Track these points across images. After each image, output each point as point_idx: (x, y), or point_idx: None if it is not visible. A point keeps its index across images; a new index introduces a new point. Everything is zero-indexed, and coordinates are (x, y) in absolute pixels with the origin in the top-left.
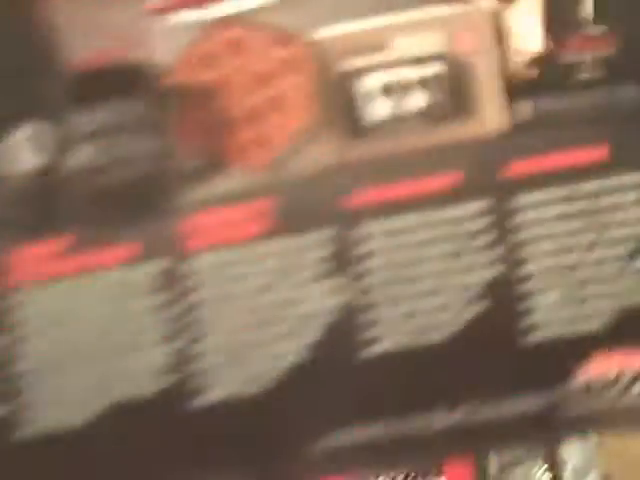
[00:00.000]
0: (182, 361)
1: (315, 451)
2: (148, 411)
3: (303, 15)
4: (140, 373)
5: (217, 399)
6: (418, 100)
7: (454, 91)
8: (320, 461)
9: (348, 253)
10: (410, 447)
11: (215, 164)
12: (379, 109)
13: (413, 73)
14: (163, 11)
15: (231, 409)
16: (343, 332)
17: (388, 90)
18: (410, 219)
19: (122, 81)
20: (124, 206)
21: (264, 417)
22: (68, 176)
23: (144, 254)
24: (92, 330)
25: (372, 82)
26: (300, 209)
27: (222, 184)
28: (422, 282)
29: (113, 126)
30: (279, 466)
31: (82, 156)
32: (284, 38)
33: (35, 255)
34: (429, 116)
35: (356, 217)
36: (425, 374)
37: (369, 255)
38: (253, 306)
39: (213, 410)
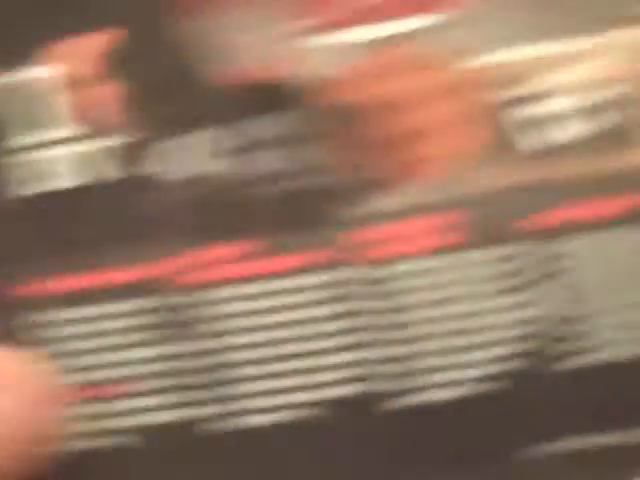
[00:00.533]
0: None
1: (527, 457)
2: (348, 411)
3: (470, 38)
4: (341, 375)
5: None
6: (591, 124)
7: (628, 117)
8: (531, 468)
9: (545, 267)
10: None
11: (377, 180)
12: (553, 133)
13: (586, 98)
14: (312, 31)
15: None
16: (548, 342)
17: (557, 116)
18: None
19: (273, 98)
20: (278, 218)
21: (473, 420)
22: (224, 187)
23: (304, 265)
24: (288, 330)
25: (542, 108)
26: (484, 225)
27: (395, 199)
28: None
29: (262, 141)
30: (488, 468)
31: (234, 168)
32: (448, 60)
33: (221, 256)
34: (602, 140)
35: (545, 235)
36: None
37: (572, 268)
38: (450, 314)
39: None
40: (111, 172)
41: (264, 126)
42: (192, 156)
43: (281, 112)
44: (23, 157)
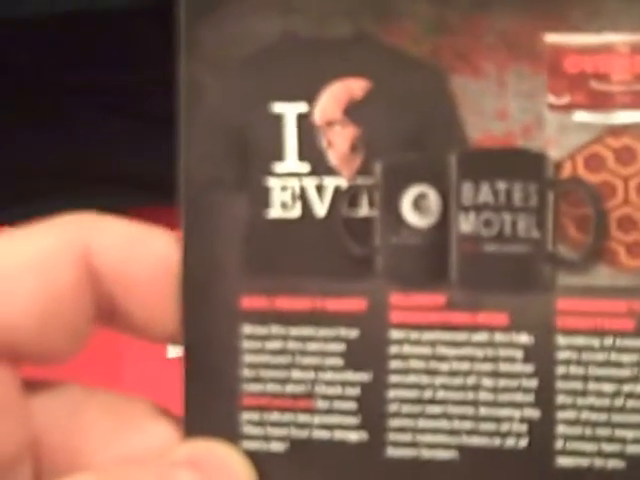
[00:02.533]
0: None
1: None
2: (511, 463)
3: None
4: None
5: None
6: None
7: None
8: None
9: None
10: None
11: (588, 259)
12: None
13: None
14: (562, 109)
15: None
16: None
17: None
18: None
19: (511, 165)
20: (498, 277)
21: None
22: (452, 240)
23: (510, 324)
24: (455, 380)
25: None
26: None
27: (596, 278)
28: None
29: (498, 204)
30: None
31: (466, 225)
32: None
33: (416, 303)
34: None
35: None
36: None
37: None
38: (608, 392)
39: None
40: (328, 209)
41: (506, 190)
42: (429, 207)
43: (524, 179)
44: (272, 182)
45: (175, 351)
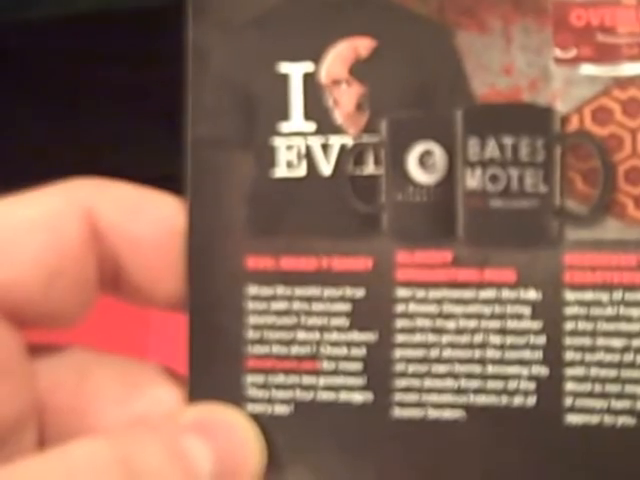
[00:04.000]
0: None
1: None
2: (519, 421)
3: None
4: (510, 386)
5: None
6: None
7: None
8: None
9: None
10: None
11: (596, 213)
12: None
13: None
14: (569, 62)
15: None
16: None
17: None
18: None
19: (518, 119)
20: (506, 233)
21: None
22: (458, 196)
23: (518, 280)
24: (462, 338)
25: None
26: None
27: (605, 232)
28: None
29: (504, 159)
30: None
31: (472, 180)
32: None
33: (422, 261)
34: None
35: None
36: None
37: None
38: (618, 348)
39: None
40: (334, 168)
41: (512, 145)
42: (435, 163)
43: (531, 134)
44: (278, 142)
45: None
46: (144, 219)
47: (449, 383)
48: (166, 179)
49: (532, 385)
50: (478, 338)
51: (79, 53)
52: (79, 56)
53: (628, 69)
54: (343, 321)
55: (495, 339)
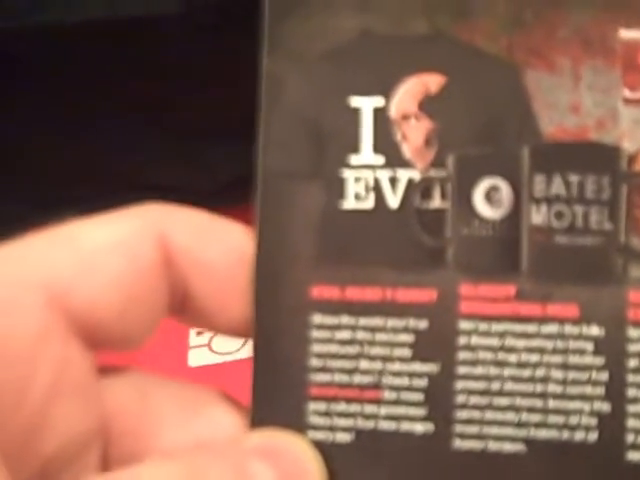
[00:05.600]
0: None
1: None
2: (580, 457)
3: None
4: (572, 421)
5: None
6: None
7: None
8: None
9: None
10: None
11: None
12: None
13: None
14: (637, 103)
15: None
16: None
17: None
18: None
19: (584, 158)
20: (570, 269)
21: None
22: (523, 231)
23: (581, 316)
24: (524, 372)
25: None
26: None
27: None
28: None
29: (570, 196)
30: None
31: (538, 216)
32: None
33: (485, 294)
34: None
35: None
36: None
37: None
38: None
39: None
40: (401, 201)
41: (578, 182)
42: (501, 199)
43: (597, 172)
44: (347, 174)
45: (195, 360)
46: (214, 246)
47: (510, 416)
48: (169, 189)
49: (594, 421)
50: (540, 372)
51: (93, 60)
52: (94, 64)
53: None
54: (406, 352)
55: (557, 374)
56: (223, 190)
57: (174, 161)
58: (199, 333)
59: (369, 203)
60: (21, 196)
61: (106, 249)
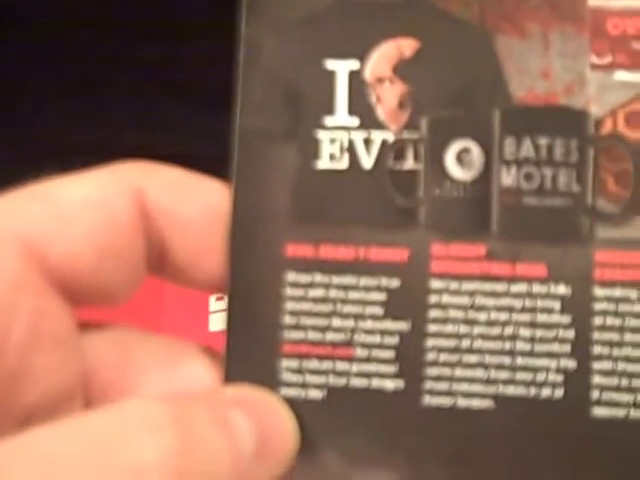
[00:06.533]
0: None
1: None
2: (546, 413)
3: None
4: (539, 378)
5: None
6: None
7: None
8: None
9: None
10: None
11: (626, 212)
12: None
13: None
14: (604, 68)
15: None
16: None
17: None
18: None
19: (553, 121)
20: (538, 229)
21: None
22: (493, 192)
23: (549, 276)
24: (493, 330)
25: None
26: None
27: (635, 231)
28: None
29: (539, 158)
30: None
31: (507, 178)
32: None
33: (456, 254)
34: None
35: None
36: None
37: None
38: None
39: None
40: (374, 162)
41: (547, 145)
42: (472, 161)
43: (566, 135)
44: (322, 135)
45: (216, 325)
46: (191, 202)
47: (479, 373)
48: (186, 157)
49: (560, 377)
50: (508, 330)
51: (107, 25)
52: (107, 28)
53: None
54: (378, 310)
55: (525, 332)
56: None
57: (183, 129)
58: (219, 298)
59: (343, 163)
60: (24, 165)
61: (82, 204)
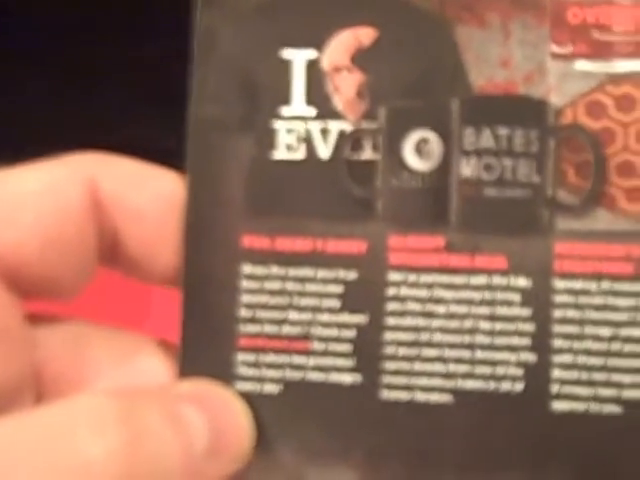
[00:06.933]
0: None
1: None
2: (506, 407)
3: None
4: (498, 372)
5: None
6: None
7: None
8: None
9: None
10: None
11: (587, 204)
12: None
13: None
14: (564, 58)
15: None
16: None
17: None
18: None
19: (513, 111)
20: (498, 221)
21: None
22: (452, 183)
23: (509, 268)
24: (452, 323)
25: None
26: None
27: (595, 222)
28: None
29: (499, 149)
30: None
31: (467, 169)
32: None
33: (414, 246)
34: None
35: None
36: None
37: None
38: (605, 336)
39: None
40: (332, 152)
41: (507, 135)
42: (430, 151)
43: (526, 125)
44: (278, 125)
45: None
46: (145, 193)
47: (438, 367)
48: (163, 153)
49: (520, 371)
50: (468, 323)
51: (79, 26)
52: (79, 29)
53: (622, 66)
54: (335, 303)
55: (485, 325)
56: None
57: (141, 121)
58: None
59: (300, 154)
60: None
61: (31, 193)
